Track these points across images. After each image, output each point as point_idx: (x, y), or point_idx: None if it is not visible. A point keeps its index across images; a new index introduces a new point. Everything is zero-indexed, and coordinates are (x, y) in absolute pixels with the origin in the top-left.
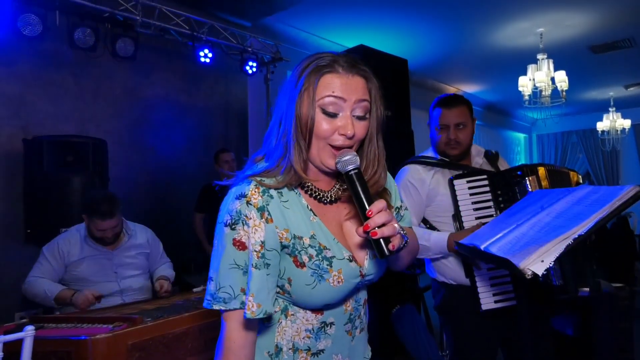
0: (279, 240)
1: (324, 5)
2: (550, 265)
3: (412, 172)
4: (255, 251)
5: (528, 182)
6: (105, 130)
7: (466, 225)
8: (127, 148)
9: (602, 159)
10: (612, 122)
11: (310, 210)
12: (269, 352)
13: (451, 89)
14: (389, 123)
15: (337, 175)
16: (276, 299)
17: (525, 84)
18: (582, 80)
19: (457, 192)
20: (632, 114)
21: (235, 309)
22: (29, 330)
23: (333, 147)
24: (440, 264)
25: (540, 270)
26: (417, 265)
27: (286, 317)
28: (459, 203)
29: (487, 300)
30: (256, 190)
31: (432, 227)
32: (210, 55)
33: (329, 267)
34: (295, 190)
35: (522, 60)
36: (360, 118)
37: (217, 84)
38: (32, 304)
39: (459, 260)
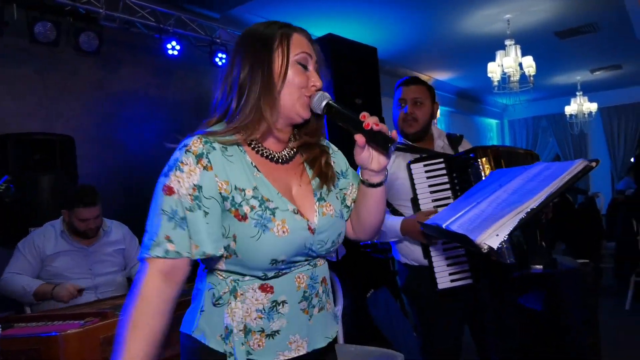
0: (218, 190)
1: None
2: (505, 239)
3: None
4: (189, 194)
5: (481, 164)
6: (73, 126)
7: (423, 208)
8: (96, 144)
9: (571, 143)
10: (580, 106)
11: (255, 166)
12: (221, 335)
13: (423, 77)
14: (359, 111)
15: (288, 139)
16: (224, 278)
17: (494, 70)
18: (549, 65)
19: (414, 176)
20: (599, 98)
21: (157, 257)
22: None
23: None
24: (403, 245)
25: (495, 243)
26: (388, 250)
27: (235, 298)
28: (416, 187)
29: (443, 280)
30: (199, 140)
31: (394, 211)
32: (178, 47)
33: (272, 216)
34: (240, 148)
35: (491, 46)
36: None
37: (187, 77)
38: (2, 306)
39: (418, 242)
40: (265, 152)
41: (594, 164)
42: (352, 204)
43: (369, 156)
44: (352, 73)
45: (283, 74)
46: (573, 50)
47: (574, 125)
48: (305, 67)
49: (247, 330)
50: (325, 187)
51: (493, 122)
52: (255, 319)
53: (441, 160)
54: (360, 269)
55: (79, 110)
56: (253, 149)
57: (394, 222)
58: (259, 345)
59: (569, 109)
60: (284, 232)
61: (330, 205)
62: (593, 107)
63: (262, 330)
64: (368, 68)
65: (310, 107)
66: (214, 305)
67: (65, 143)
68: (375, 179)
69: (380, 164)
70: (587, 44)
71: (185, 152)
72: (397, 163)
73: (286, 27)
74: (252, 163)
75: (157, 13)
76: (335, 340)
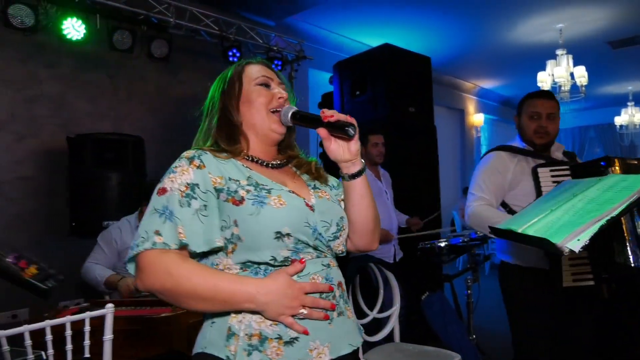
0: (212, 185)
1: (348, 4)
2: (585, 243)
3: (497, 158)
4: (180, 190)
5: (612, 172)
6: (139, 127)
7: None
8: (159, 144)
9: (620, 154)
10: (631, 116)
11: (247, 167)
12: (224, 340)
13: (468, 85)
14: (413, 119)
15: (277, 151)
16: None
17: (544, 79)
18: (601, 75)
19: (541, 180)
20: None
21: (145, 249)
22: (110, 307)
23: (274, 112)
24: (521, 249)
25: (576, 247)
26: (445, 253)
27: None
28: (542, 190)
29: (567, 279)
30: (191, 150)
31: (511, 211)
32: (238, 54)
33: (267, 194)
34: (233, 160)
35: (541, 55)
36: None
37: None
38: (76, 294)
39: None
40: (256, 158)
41: None
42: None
43: (338, 147)
44: (406, 82)
45: (247, 98)
46: (626, 60)
47: (624, 136)
48: (267, 86)
49: (262, 338)
50: (317, 181)
51: None
52: (270, 325)
53: (567, 167)
54: (415, 272)
55: (144, 112)
56: (243, 157)
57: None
58: (277, 354)
59: (619, 120)
60: (281, 204)
61: (325, 192)
62: None
63: (280, 337)
64: (421, 77)
65: (281, 122)
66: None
67: (136, 143)
68: (353, 169)
69: (351, 151)
70: None
71: (179, 159)
72: (521, 166)
73: (243, 64)
74: (244, 165)
75: (219, 21)
76: (358, 350)
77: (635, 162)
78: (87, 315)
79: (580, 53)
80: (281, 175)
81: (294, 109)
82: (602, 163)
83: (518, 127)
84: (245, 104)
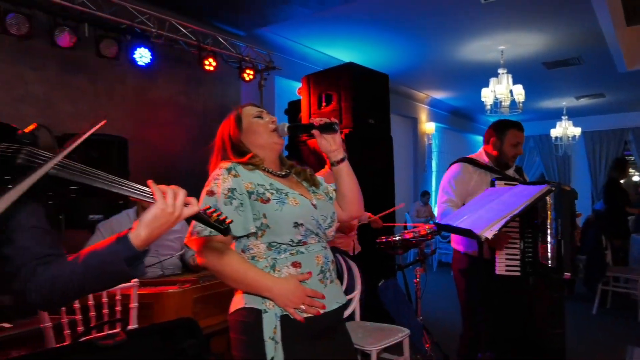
0: (245, 189)
1: (313, 21)
2: (496, 232)
3: (464, 168)
4: (224, 193)
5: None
6: (118, 128)
7: None
8: (136, 144)
9: (555, 163)
10: (564, 129)
11: (267, 177)
12: (259, 297)
13: (421, 95)
14: (372, 130)
15: (281, 163)
16: (265, 258)
17: (487, 95)
18: (538, 91)
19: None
20: (583, 123)
21: (205, 236)
22: (135, 281)
23: (273, 131)
24: (470, 242)
25: (490, 235)
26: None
27: (274, 271)
28: None
29: (500, 268)
30: (228, 163)
31: None
32: (214, 64)
33: (286, 196)
34: (257, 170)
35: (486, 72)
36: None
37: (215, 88)
38: None
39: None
40: (270, 170)
41: (553, 188)
42: (334, 193)
43: (327, 141)
44: (367, 97)
45: (251, 129)
46: (560, 79)
47: (559, 147)
48: (260, 117)
49: None
50: (313, 187)
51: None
52: None
53: (517, 183)
54: (374, 263)
55: (123, 114)
56: (263, 169)
57: None
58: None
59: (555, 132)
60: (296, 203)
61: (321, 195)
62: (577, 131)
63: None
64: (380, 92)
65: (280, 136)
66: None
67: (120, 143)
68: (339, 155)
69: (336, 141)
70: (573, 74)
71: (219, 169)
72: (481, 177)
73: (238, 109)
74: (265, 175)
75: (196, 32)
76: (344, 306)
77: (568, 189)
78: (117, 287)
79: (519, 72)
80: (289, 182)
81: (287, 124)
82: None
83: (494, 147)
84: (250, 134)
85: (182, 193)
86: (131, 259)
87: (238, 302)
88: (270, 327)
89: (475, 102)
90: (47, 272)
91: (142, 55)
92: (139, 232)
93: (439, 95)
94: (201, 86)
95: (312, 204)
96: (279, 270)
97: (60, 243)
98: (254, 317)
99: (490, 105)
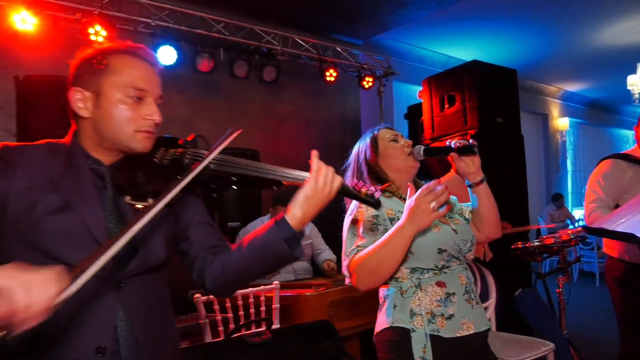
0: (387, 215)
1: (432, 21)
2: None
3: (615, 164)
4: (369, 220)
5: None
6: (249, 143)
7: None
8: (266, 155)
9: None
10: None
11: (403, 204)
12: (407, 317)
13: (552, 89)
14: (500, 129)
15: (415, 185)
16: (409, 278)
17: (634, 83)
18: None
19: None
20: None
21: (350, 257)
22: (277, 284)
23: (409, 155)
24: (627, 246)
25: None
26: (538, 253)
27: (420, 290)
28: None
29: None
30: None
31: None
32: (335, 74)
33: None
34: (394, 197)
35: (630, 57)
36: None
37: (335, 99)
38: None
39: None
40: (402, 195)
41: None
42: (469, 215)
43: (465, 164)
44: (494, 94)
45: (387, 154)
46: None
47: None
48: (396, 140)
49: (432, 315)
50: (450, 211)
51: (630, 133)
52: (436, 307)
53: None
54: (507, 270)
55: (254, 129)
56: (399, 197)
57: None
58: (442, 326)
59: None
60: (438, 230)
61: (458, 220)
62: None
63: (442, 315)
64: (508, 89)
65: (415, 159)
66: (402, 296)
67: (252, 155)
68: (477, 177)
69: (475, 163)
70: None
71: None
72: (638, 174)
73: (375, 132)
74: (402, 203)
75: (317, 46)
76: (489, 329)
77: None
78: (262, 288)
79: None
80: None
81: (422, 147)
82: None
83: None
84: (387, 158)
85: (330, 170)
86: (290, 240)
87: (383, 322)
88: (420, 346)
89: (618, 92)
90: (217, 261)
91: (269, 73)
92: (295, 212)
93: (573, 87)
94: (322, 97)
95: (453, 229)
96: (424, 290)
97: (222, 235)
98: (402, 336)
99: (639, 93)
